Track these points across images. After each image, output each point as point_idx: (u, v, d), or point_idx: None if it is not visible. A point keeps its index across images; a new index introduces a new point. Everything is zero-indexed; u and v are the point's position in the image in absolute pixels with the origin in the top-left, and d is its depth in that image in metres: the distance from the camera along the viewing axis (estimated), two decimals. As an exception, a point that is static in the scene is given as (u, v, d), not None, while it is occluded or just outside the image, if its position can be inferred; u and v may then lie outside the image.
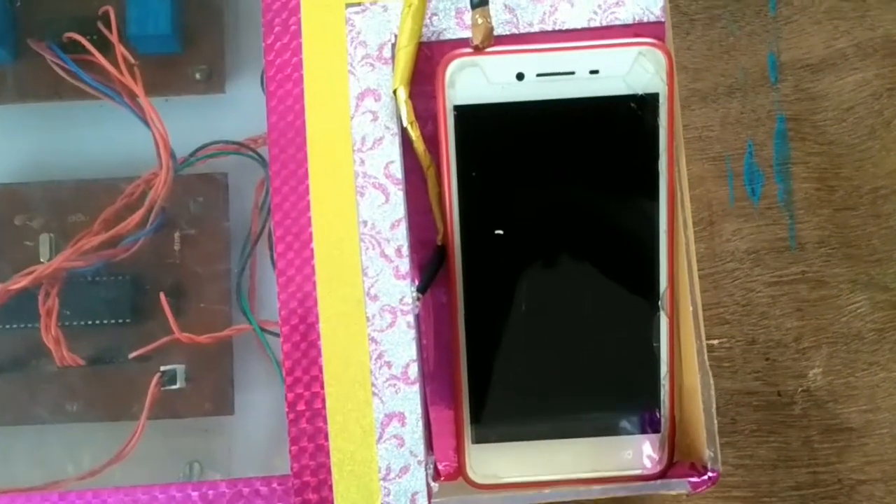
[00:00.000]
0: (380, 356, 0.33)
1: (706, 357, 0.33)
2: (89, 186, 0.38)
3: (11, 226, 0.38)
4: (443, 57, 0.35)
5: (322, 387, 0.32)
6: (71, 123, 0.39)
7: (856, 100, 0.45)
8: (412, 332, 0.33)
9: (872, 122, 0.45)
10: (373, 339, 0.33)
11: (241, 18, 0.40)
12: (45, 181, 0.38)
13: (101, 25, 0.36)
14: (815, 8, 0.45)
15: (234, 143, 0.38)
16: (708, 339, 0.44)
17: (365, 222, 0.34)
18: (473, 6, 0.33)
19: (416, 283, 0.34)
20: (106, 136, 0.38)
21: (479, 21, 0.33)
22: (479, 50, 0.33)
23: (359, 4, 0.35)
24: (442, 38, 0.35)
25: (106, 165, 0.39)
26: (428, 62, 0.35)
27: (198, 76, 0.39)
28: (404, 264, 0.33)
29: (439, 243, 0.35)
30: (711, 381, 0.33)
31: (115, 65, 0.36)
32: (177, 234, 0.37)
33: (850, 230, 0.44)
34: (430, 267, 0.35)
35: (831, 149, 0.45)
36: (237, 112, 0.39)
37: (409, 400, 0.33)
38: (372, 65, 0.35)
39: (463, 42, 0.34)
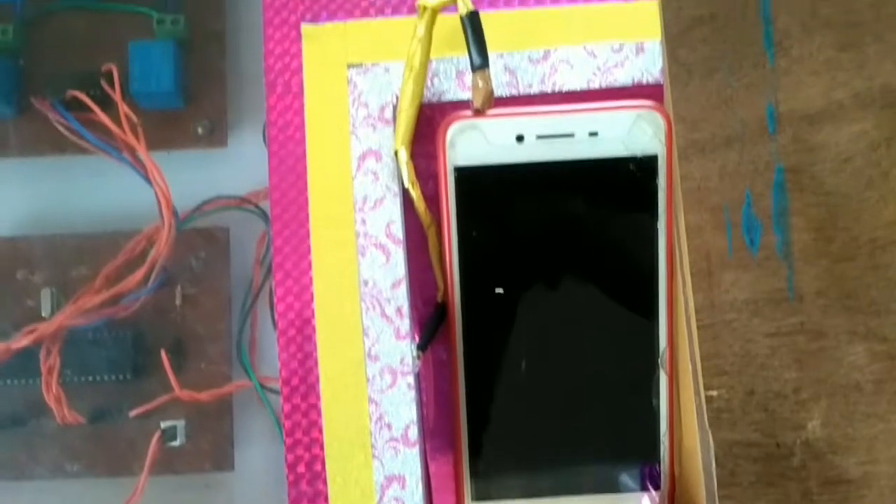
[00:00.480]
0: (380, 418, 0.33)
1: (706, 416, 0.33)
2: (91, 240, 0.38)
3: (13, 280, 0.38)
4: (444, 118, 0.35)
5: (322, 448, 0.32)
6: (73, 177, 0.39)
7: (854, 151, 0.46)
8: (412, 393, 0.33)
9: (870, 172, 0.46)
10: (373, 401, 0.33)
11: (243, 73, 0.40)
12: (47, 234, 0.39)
13: (104, 82, 0.37)
14: (813, 59, 0.45)
15: (235, 197, 0.38)
16: (707, 389, 0.44)
17: (366, 282, 0.34)
18: (474, 69, 0.33)
19: (417, 339, 0.34)
20: (108, 189, 0.39)
21: (480, 84, 0.33)
22: (479, 113, 0.34)
23: (360, 65, 0.35)
24: (443, 99, 0.35)
25: (108, 218, 0.39)
26: (429, 123, 0.35)
27: (200, 130, 0.39)
28: (405, 325, 0.33)
29: (439, 301, 0.35)
30: (711, 440, 0.33)
31: (118, 122, 0.36)
32: (178, 290, 0.37)
33: (848, 281, 0.44)
34: (430, 324, 0.35)
35: (829, 199, 0.45)
36: (239, 165, 0.40)
37: (409, 462, 0.33)
38: (373, 125, 0.35)
39: (464, 104, 0.35)
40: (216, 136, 0.40)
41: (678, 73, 0.45)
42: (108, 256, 0.38)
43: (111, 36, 0.39)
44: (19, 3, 0.39)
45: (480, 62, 0.33)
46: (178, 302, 0.37)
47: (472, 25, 0.33)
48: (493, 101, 0.34)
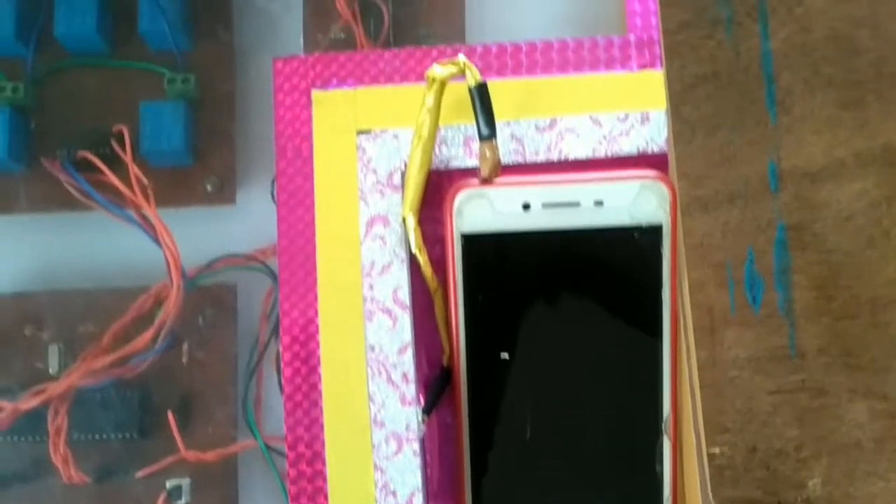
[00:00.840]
0: (385, 485, 0.33)
1: (707, 473, 0.34)
2: (99, 297, 0.38)
3: (21, 336, 0.38)
4: (451, 184, 0.35)
5: (327, 516, 0.33)
6: (81, 233, 0.39)
7: (855, 209, 0.46)
8: (418, 460, 0.33)
9: (872, 231, 0.46)
10: (378, 468, 0.33)
11: (252, 131, 0.41)
12: (55, 290, 0.39)
13: (114, 142, 0.37)
14: (815, 117, 0.46)
15: (243, 256, 0.38)
16: (710, 446, 0.44)
17: (372, 347, 0.34)
18: (482, 139, 0.34)
19: (422, 402, 0.34)
20: (116, 245, 0.39)
21: (488, 154, 0.34)
22: (486, 181, 0.34)
23: (370, 132, 0.35)
24: (451, 165, 0.35)
25: (115, 274, 0.39)
26: (436, 189, 0.35)
27: (209, 188, 0.39)
28: (410, 390, 0.34)
29: (445, 364, 0.36)
30: (712, 498, 0.33)
31: (128, 181, 0.36)
32: (185, 348, 0.37)
33: (849, 339, 0.44)
34: (435, 388, 0.35)
35: (831, 257, 0.46)
36: (247, 222, 0.40)
37: (414, 529, 0.33)
38: (382, 191, 0.35)
39: (471, 171, 0.35)
40: (225, 193, 0.40)
41: (681, 130, 0.45)
42: (115, 313, 0.38)
43: (122, 93, 0.40)
44: (30, 59, 0.40)
45: (488, 133, 0.34)
46: (184, 360, 0.37)
47: (481, 96, 0.34)
48: (500, 170, 0.35)
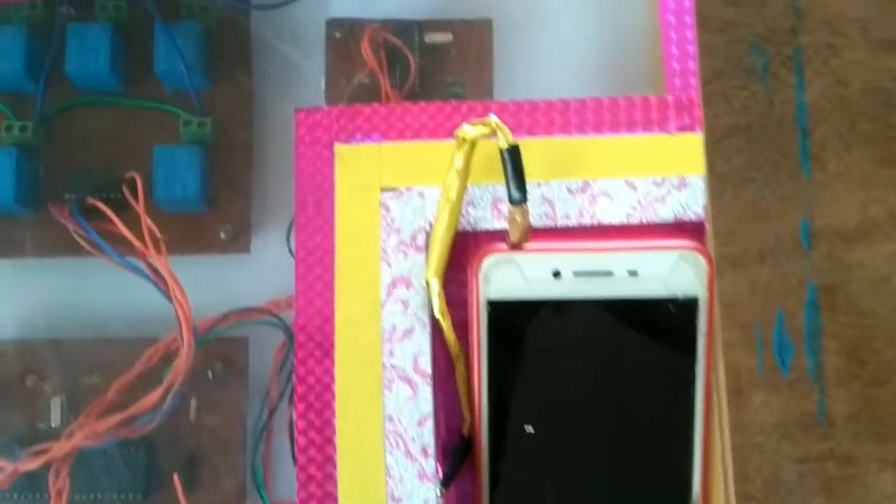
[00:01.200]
0: (402, 565, 0.32)
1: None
2: (104, 347, 0.37)
3: (22, 386, 0.37)
4: (478, 246, 0.34)
5: None
6: (87, 279, 0.38)
7: (890, 271, 0.45)
8: (436, 539, 0.32)
9: (905, 293, 0.45)
10: (395, 547, 0.32)
11: (268, 178, 0.39)
12: (59, 338, 0.37)
13: (126, 189, 0.35)
14: (851, 173, 0.44)
15: (256, 309, 0.37)
16: (734, 514, 0.43)
17: (391, 417, 0.32)
18: (512, 203, 0.32)
19: (440, 472, 0.33)
20: (123, 293, 0.37)
21: (518, 219, 0.32)
22: (515, 247, 0.33)
23: (394, 189, 0.34)
24: (478, 227, 0.34)
25: (122, 323, 0.38)
26: (462, 250, 0.34)
27: (223, 236, 0.38)
28: (429, 465, 0.32)
29: (465, 434, 0.34)
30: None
31: (139, 232, 0.35)
32: (192, 403, 0.36)
33: (880, 406, 0.43)
34: (454, 458, 0.34)
35: (864, 321, 0.44)
36: (262, 272, 0.38)
37: None
38: (405, 252, 0.34)
39: (499, 234, 0.33)
40: (239, 241, 0.38)
41: (715, 184, 0.44)
42: (121, 365, 0.36)
43: (135, 134, 0.38)
44: (40, 96, 0.38)
45: (519, 197, 0.32)
46: (192, 416, 0.36)
47: (512, 159, 0.32)
48: (530, 234, 0.33)
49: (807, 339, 0.44)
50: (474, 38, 0.38)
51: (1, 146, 0.37)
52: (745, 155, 0.45)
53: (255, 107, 0.39)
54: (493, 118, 0.32)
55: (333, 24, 0.39)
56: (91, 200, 0.35)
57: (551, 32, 0.40)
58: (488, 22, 0.39)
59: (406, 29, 0.38)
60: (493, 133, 0.32)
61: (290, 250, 0.39)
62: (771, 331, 0.44)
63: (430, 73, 0.38)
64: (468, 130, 0.32)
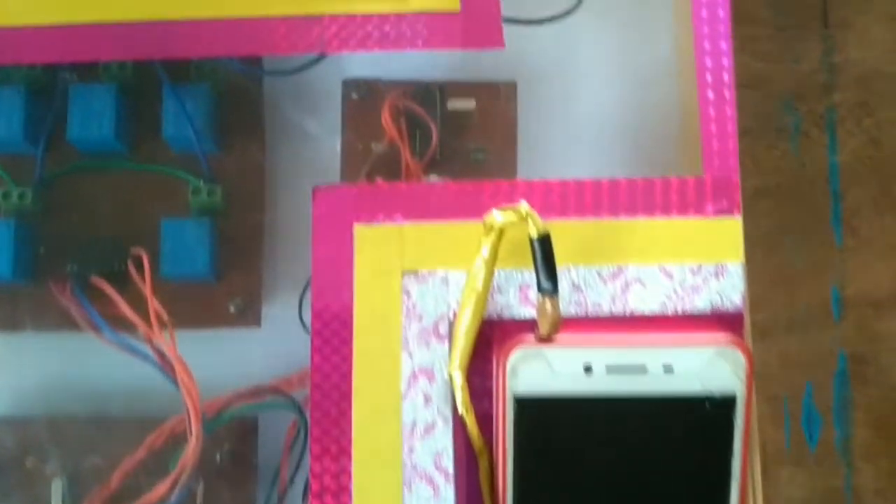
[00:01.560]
0: None
1: None
2: (107, 426, 0.35)
3: (21, 468, 0.35)
4: (503, 334, 0.32)
5: None
6: (88, 354, 0.36)
7: (922, 341, 0.43)
8: None
9: (938, 365, 0.43)
10: None
11: (280, 248, 0.37)
12: (59, 416, 0.35)
13: (132, 266, 0.34)
14: (883, 240, 0.43)
15: (266, 388, 0.35)
16: None
17: (411, 519, 0.31)
18: (543, 293, 0.31)
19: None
20: (126, 369, 0.35)
21: (548, 310, 0.31)
22: (545, 340, 0.31)
23: (416, 273, 0.32)
24: (504, 315, 0.32)
25: (126, 401, 0.36)
26: (487, 339, 0.32)
27: (232, 309, 0.36)
28: (452, 572, 0.31)
29: (488, 533, 0.33)
30: None
31: (144, 311, 0.33)
32: (199, 489, 0.34)
33: (909, 482, 0.41)
34: (476, 558, 0.32)
35: (894, 393, 0.43)
36: (272, 347, 0.36)
37: None
38: (427, 341, 0.32)
39: (526, 323, 0.32)
40: (249, 315, 0.36)
41: (745, 248, 0.42)
42: (125, 446, 0.35)
43: (141, 200, 0.36)
44: (40, 160, 0.36)
45: (550, 288, 0.31)
46: (199, 501, 0.34)
47: (543, 249, 0.30)
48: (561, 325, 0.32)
49: (835, 412, 0.42)
50: (498, 102, 0.37)
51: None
52: (774, 218, 0.43)
53: (266, 172, 0.37)
54: (523, 205, 0.30)
55: (350, 85, 0.37)
56: (94, 279, 0.33)
57: (578, 97, 0.38)
58: (512, 85, 0.37)
59: (427, 94, 0.36)
60: (524, 221, 0.30)
61: (302, 322, 0.38)
62: (799, 404, 0.42)
63: (451, 140, 0.37)
64: (496, 217, 0.31)
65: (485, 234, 0.31)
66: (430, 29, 0.33)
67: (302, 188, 0.36)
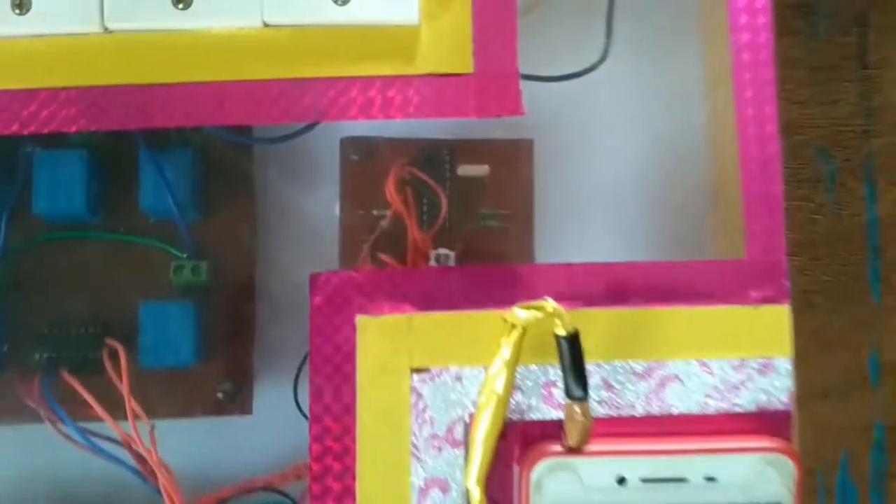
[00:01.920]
0: None
1: None
2: (83, 529, 0.32)
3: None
4: (525, 439, 0.29)
5: None
6: (54, 448, 0.32)
7: (963, 407, 0.41)
8: None
9: (981, 432, 0.40)
10: None
11: (272, 325, 0.34)
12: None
13: (107, 359, 0.30)
14: (924, 299, 0.40)
15: (259, 484, 0.32)
16: None
17: None
18: (571, 399, 0.27)
19: None
20: (100, 463, 0.32)
21: (577, 417, 0.27)
22: (573, 450, 0.28)
23: (427, 370, 0.29)
24: (526, 416, 0.29)
25: (102, 499, 0.33)
26: (507, 444, 0.29)
27: (220, 395, 0.33)
28: None
29: None
30: None
31: (117, 405, 0.30)
32: None
33: (949, 560, 0.39)
34: None
35: (934, 465, 0.40)
36: (266, 436, 0.33)
37: None
38: (440, 448, 0.29)
39: (551, 426, 0.29)
40: (239, 401, 0.33)
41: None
42: (102, 553, 0.32)
43: (117, 274, 0.32)
44: (2, 234, 0.32)
45: (580, 394, 0.28)
46: None
47: (572, 350, 0.27)
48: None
49: (872, 484, 0.40)
50: (513, 163, 0.33)
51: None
52: (811, 276, 0.40)
53: (257, 242, 0.34)
54: (549, 303, 0.27)
55: (349, 145, 0.34)
56: (65, 374, 0.30)
57: (600, 156, 0.35)
58: (528, 143, 0.34)
59: (435, 156, 0.33)
60: (551, 319, 0.27)
61: (298, 407, 0.34)
62: (833, 478, 0.39)
63: (460, 205, 0.33)
64: (519, 315, 0.27)
65: (506, 333, 0.27)
66: (440, 94, 0.29)
67: (296, 257, 0.33)
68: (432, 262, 0.32)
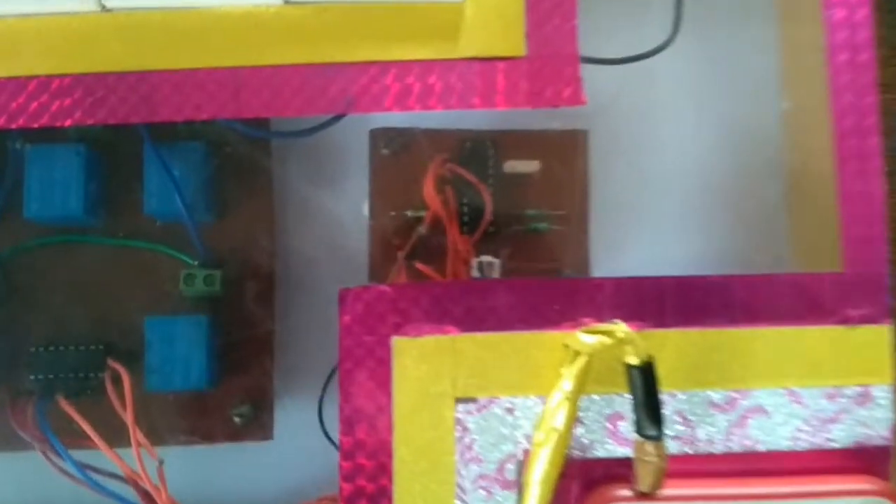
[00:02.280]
0: None
1: None
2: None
3: None
4: (587, 480, 0.25)
5: None
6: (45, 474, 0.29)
7: None
8: None
9: None
10: None
11: (293, 340, 0.30)
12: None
13: (109, 383, 0.27)
14: None
15: (281, 515, 0.28)
16: None
17: None
18: (645, 437, 0.24)
19: None
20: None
21: (650, 458, 0.24)
22: (644, 495, 0.24)
23: (473, 400, 0.25)
24: (588, 454, 0.25)
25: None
26: (566, 483, 0.25)
27: (237, 419, 0.29)
28: None
29: None
30: None
31: (124, 432, 0.26)
32: None
33: None
34: None
35: None
36: (288, 463, 0.30)
37: None
38: (489, 490, 0.25)
39: (616, 464, 0.25)
40: (257, 426, 0.29)
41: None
42: None
43: (119, 286, 0.29)
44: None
45: (654, 433, 0.24)
46: None
47: (646, 382, 0.24)
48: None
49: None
50: (564, 156, 0.29)
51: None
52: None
53: (276, 247, 0.30)
54: (621, 327, 0.23)
55: (379, 137, 0.30)
56: (63, 402, 0.26)
57: (663, 147, 0.31)
58: (582, 134, 0.30)
59: (477, 151, 0.29)
60: (620, 346, 0.23)
61: (323, 430, 0.31)
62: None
63: (505, 205, 0.29)
64: (584, 340, 0.23)
65: (568, 361, 0.24)
66: (487, 81, 0.25)
67: (320, 264, 0.29)
68: (474, 271, 0.29)
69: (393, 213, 0.30)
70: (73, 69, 0.26)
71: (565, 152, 0.30)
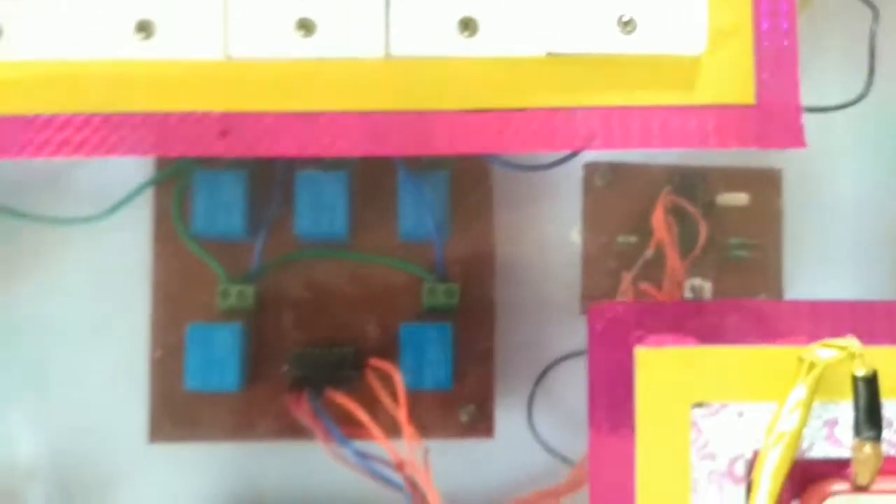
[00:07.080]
0: None
1: None
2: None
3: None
4: (804, 478, 0.28)
5: None
6: (294, 462, 0.33)
7: None
8: None
9: None
10: None
11: (510, 347, 0.34)
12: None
13: (372, 378, 0.30)
14: None
15: (501, 508, 0.32)
16: None
17: None
18: (861, 438, 0.27)
19: None
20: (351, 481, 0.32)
21: (867, 455, 0.27)
22: (861, 488, 0.28)
23: (708, 405, 0.29)
24: (806, 455, 0.28)
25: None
26: (786, 482, 0.29)
27: (464, 418, 0.33)
28: None
29: None
30: None
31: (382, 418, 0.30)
32: None
33: None
34: None
35: None
36: (505, 461, 0.33)
37: None
38: (720, 484, 0.28)
39: (831, 465, 0.28)
40: (482, 424, 0.33)
41: None
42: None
43: (367, 294, 0.33)
44: (259, 251, 0.32)
45: (872, 434, 0.27)
46: None
47: (869, 391, 0.27)
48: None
49: None
50: (763, 192, 0.33)
51: (219, 320, 0.32)
52: None
53: (496, 265, 0.34)
54: (853, 342, 0.27)
55: (593, 170, 0.34)
56: (331, 391, 0.30)
57: (849, 186, 0.34)
58: (777, 173, 0.33)
59: (687, 183, 0.33)
60: (851, 358, 0.27)
61: (533, 430, 0.34)
62: None
63: (710, 234, 0.33)
64: (819, 354, 0.27)
65: (803, 372, 0.27)
66: (722, 125, 0.29)
67: (529, 281, 0.32)
68: (687, 293, 0.32)
69: (604, 239, 0.33)
70: (359, 107, 0.30)
71: (763, 188, 0.33)
